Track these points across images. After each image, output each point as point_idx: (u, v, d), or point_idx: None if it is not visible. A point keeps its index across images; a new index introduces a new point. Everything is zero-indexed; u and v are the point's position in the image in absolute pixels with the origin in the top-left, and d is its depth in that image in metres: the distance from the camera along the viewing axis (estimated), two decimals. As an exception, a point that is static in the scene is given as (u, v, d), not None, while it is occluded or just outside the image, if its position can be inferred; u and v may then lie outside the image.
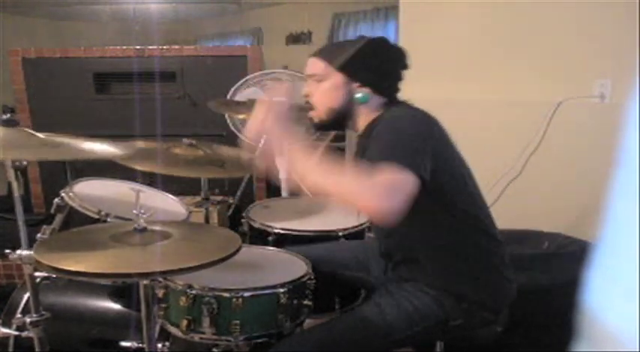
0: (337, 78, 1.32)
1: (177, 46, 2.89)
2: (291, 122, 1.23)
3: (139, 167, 1.49)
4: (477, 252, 1.30)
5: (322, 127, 1.40)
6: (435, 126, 1.24)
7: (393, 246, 1.40)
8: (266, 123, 1.20)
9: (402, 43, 2.47)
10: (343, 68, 1.31)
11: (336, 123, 1.38)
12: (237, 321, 1.26)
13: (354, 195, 1.06)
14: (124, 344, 1.47)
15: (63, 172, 2.92)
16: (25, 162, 1.24)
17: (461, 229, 1.28)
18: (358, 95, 1.31)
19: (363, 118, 1.35)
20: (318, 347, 1.25)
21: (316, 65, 1.35)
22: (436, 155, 1.16)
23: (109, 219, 1.47)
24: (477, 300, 1.30)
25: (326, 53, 1.36)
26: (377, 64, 1.32)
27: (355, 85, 1.31)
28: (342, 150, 3.11)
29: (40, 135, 1.28)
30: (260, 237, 1.73)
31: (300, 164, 1.17)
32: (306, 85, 1.38)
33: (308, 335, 1.32)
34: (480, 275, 1.30)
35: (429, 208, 1.23)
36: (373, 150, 1.16)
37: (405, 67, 1.35)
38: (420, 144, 1.14)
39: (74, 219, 1.56)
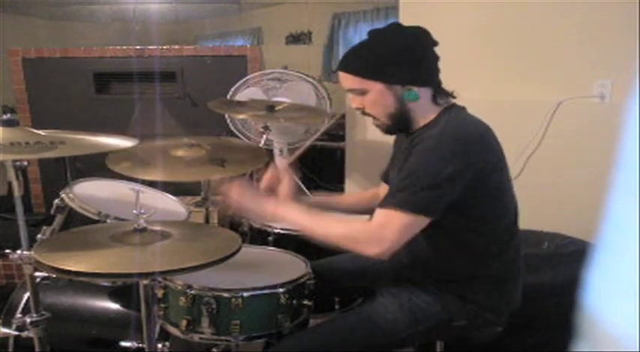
0: (377, 86, 1.25)
1: (177, 46, 2.89)
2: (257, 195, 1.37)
3: (139, 175, 1.50)
4: (493, 261, 1.29)
5: (394, 132, 1.37)
6: (478, 154, 1.19)
7: (401, 248, 1.36)
8: (238, 202, 1.32)
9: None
10: (376, 76, 1.25)
11: (403, 124, 1.31)
12: (237, 321, 1.26)
13: (353, 243, 1.21)
14: (123, 344, 1.47)
15: (63, 172, 2.92)
16: (25, 162, 1.24)
17: (483, 243, 1.27)
18: (408, 93, 1.25)
19: (422, 115, 1.29)
20: (321, 346, 1.25)
21: (348, 80, 1.29)
22: (473, 185, 1.17)
23: (108, 220, 1.47)
24: (484, 303, 1.29)
25: (352, 65, 1.28)
26: (403, 57, 1.25)
27: (397, 86, 1.25)
28: (342, 150, 3.11)
29: (41, 132, 1.28)
30: (260, 237, 1.73)
31: (295, 223, 1.29)
32: (352, 99, 1.33)
33: (310, 334, 1.32)
34: (491, 280, 1.29)
35: (454, 229, 1.24)
36: (400, 181, 1.19)
37: (430, 44, 1.28)
38: (443, 184, 1.15)
39: (74, 219, 1.56)
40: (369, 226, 1.20)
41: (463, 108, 1.32)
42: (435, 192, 1.14)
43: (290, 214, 1.29)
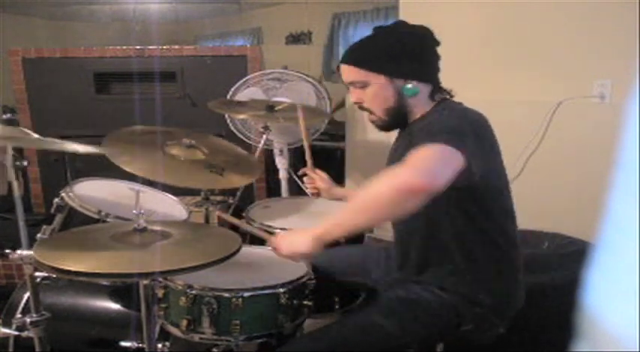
0: (379, 79, 1.27)
1: (177, 46, 2.89)
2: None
3: (137, 172, 1.48)
4: (497, 259, 1.28)
5: (389, 128, 1.36)
6: (489, 128, 1.21)
7: (409, 249, 1.35)
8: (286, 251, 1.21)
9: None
10: (379, 69, 1.26)
11: (400, 120, 1.32)
12: (237, 321, 1.26)
13: (395, 184, 1.01)
14: (123, 344, 1.47)
15: (63, 172, 2.92)
16: (25, 162, 1.24)
17: (485, 238, 1.26)
18: (408, 88, 1.26)
19: (418, 111, 1.31)
20: (328, 347, 1.24)
21: (351, 72, 1.29)
22: (482, 172, 1.12)
23: (108, 219, 1.47)
24: (491, 306, 1.28)
25: (355, 58, 1.29)
26: (407, 52, 1.26)
27: (399, 80, 1.27)
28: (342, 150, 3.11)
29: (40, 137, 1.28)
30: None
31: (343, 221, 1.12)
32: (351, 92, 1.33)
33: (317, 336, 1.29)
34: (496, 281, 1.28)
35: (458, 215, 1.22)
36: (424, 138, 1.08)
37: (433, 43, 1.30)
38: (472, 133, 1.10)
39: (74, 219, 1.56)
40: (408, 161, 1.04)
41: (460, 103, 1.33)
42: (462, 135, 1.08)
43: (331, 219, 1.14)
